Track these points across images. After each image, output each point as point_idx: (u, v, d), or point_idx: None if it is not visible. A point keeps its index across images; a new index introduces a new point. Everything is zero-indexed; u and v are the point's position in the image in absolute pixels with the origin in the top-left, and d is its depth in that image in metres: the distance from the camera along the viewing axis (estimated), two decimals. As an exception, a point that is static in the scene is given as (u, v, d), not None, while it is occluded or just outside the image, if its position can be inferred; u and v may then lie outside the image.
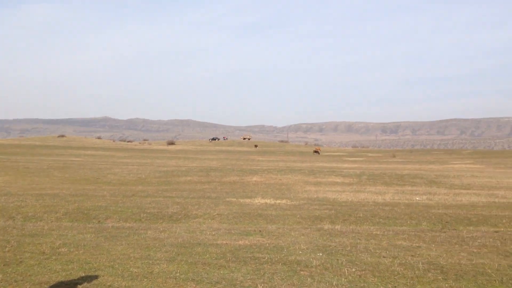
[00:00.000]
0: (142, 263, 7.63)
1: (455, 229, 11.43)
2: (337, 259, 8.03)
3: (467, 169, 43.54)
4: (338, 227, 11.53)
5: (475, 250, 8.94)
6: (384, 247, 9.13)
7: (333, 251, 8.66)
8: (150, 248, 8.71)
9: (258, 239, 9.79)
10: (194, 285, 6.59)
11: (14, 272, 7.01)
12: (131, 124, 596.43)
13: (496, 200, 18.12)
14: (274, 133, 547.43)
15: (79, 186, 22.14)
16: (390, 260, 8.05)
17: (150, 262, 7.69)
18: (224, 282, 6.72)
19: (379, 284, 6.78)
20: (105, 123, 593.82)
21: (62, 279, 6.73)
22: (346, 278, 6.97)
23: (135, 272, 7.11)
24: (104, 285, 6.53)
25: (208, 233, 10.44)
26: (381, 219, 12.80)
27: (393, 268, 7.53)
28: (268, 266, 7.54)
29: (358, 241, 9.72)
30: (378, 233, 10.68)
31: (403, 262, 7.92)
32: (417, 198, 18.47)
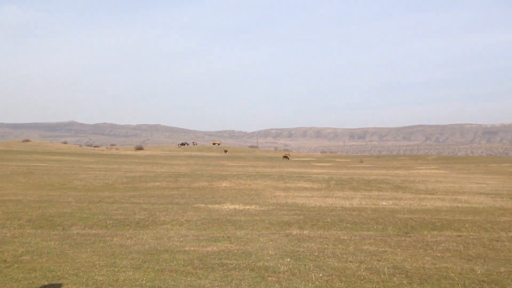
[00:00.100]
0: (107, 270, 7.49)
1: (420, 234, 11.67)
2: (305, 265, 8.08)
3: (432, 175, 44.60)
4: (306, 232, 11.61)
5: (439, 254, 9.15)
6: (351, 252, 9.25)
7: (301, 257, 8.71)
8: (116, 256, 8.57)
9: (226, 245, 9.76)
10: (161, 293, 6.50)
11: (-27, 282, 6.79)
12: (98, 128, 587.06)
13: (459, 205, 18.60)
14: (244, 138, 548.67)
15: (44, 192, 21.62)
16: (357, 265, 8.16)
17: (116, 269, 7.57)
18: (191, 289, 6.66)
19: (346, 289, 6.85)
20: (71, 127, 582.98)
21: (24, 289, 6.55)
22: (313, 284, 7.02)
23: (100, 280, 6.97)
24: (68, 294, 6.39)
25: (176, 239, 10.34)
26: (348, 224, 12.96)
27: (359, 273, 7.62)
28: (236, 273, 7.52)
29: (326, 246, 9.81)
30: (345, 238, 10.81)
31: (370, 266, 8.03)
32: (384, 203, 18.77)
